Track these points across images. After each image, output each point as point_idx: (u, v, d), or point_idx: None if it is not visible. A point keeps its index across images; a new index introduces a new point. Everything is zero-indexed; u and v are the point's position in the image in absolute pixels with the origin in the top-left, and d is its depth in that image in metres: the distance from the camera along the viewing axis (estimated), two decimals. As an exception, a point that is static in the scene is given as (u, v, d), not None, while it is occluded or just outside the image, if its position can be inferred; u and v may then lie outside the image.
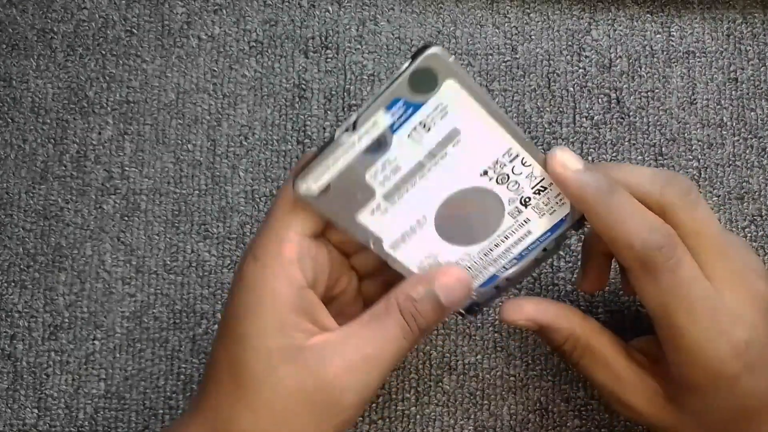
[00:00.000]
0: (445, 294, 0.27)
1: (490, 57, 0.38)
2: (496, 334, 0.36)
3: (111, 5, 0.39)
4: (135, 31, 0.39)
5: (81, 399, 0.36)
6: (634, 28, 0.39)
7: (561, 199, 0.29)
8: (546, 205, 0.29)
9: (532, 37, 0.39)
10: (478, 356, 0.36)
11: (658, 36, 0.39)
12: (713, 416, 0.27)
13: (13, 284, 0.37)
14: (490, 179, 0.28)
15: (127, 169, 0.38)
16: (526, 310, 0.30)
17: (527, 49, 0.39)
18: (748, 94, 0.38)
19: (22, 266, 0.37)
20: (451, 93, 0.25)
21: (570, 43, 0.39)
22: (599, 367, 0.29)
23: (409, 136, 0.26)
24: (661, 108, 0.38)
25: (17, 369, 0.36)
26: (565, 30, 0.39)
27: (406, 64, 0.25)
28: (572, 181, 0.26)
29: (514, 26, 0.39)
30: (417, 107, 0.26)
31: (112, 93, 0.38)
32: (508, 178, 0.28)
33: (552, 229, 0.30)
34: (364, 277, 0.31)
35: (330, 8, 0.39)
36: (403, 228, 0.28)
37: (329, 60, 0.39)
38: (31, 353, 0.36)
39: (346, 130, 0.25)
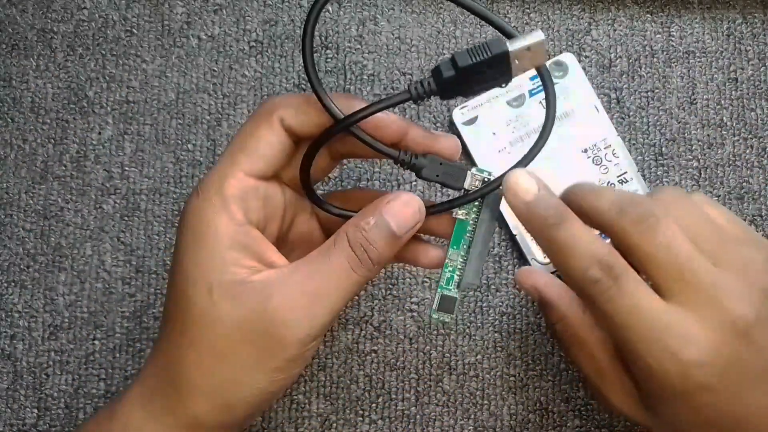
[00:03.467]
0: (396, 221, 0.26)
1: (490, 57, 0.38)
2: (496, 334, 0.36)
3: (111, 5, 0.39)
4: (135, 31, 0.39)
5: (81, 399, 0.36)
6: (634, 28, 0.39)
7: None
8: None
9: (532, 37, 0.39)
10: (478, 356, 0.36)
11: (658, 36, 0.39)
12: (682, 426, 0.27)
13: (13, 284, 0.37)
14: (588, 157, 0.37)
15: (127, 169, 0.38)
16: (534, 278, 0.31)
17: (527, 49, 0.39)
18: (748, 94, 0.38)
19: (22, 266, 0.37)
20: (572, 84, 0.37)
21: (570, 43, 0.39)
22: (584, 356, 0.30)
23: (539, 102, 0.37)
24: (661, 108, 0.38)
25: (17, 369, 0.36)
26: (565, 30, 0.39)
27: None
28: (520, 213, 0.26)
29: (514, 26, 0.39)
30: None
31: (112, 93, 0.38)
32: (601, 161, 0.37)
33: None
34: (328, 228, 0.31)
35: (330, 8, 0.39)
36: None
37: (329, 60, 0.39)
38: (31, 353, 0.36)
39: (499, 86, 0.34)
